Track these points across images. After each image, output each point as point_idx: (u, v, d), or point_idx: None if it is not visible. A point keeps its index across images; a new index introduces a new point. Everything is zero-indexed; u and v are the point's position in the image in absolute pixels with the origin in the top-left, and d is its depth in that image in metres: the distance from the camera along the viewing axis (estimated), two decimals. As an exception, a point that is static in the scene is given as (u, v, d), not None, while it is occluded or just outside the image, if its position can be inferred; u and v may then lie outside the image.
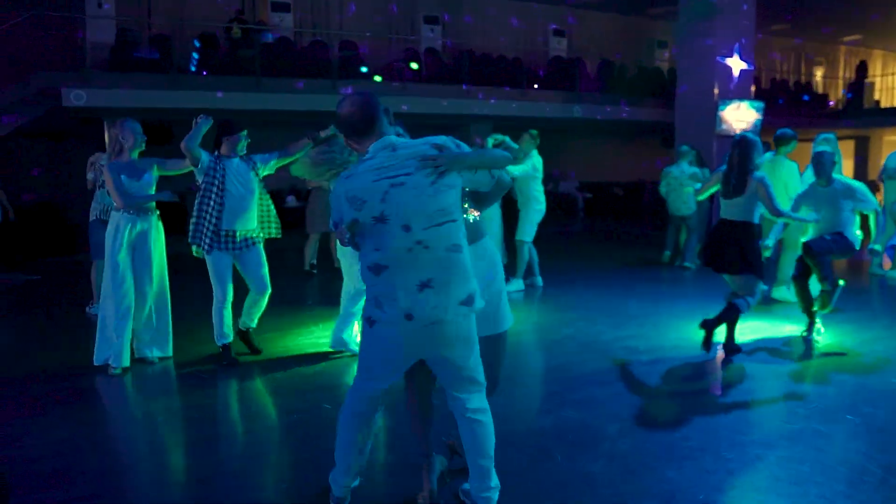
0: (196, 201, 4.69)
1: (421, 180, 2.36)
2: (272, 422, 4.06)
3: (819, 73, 21.34)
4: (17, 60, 11.73)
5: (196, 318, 5.65)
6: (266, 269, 4.92)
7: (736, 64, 12.44)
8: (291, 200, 14.69)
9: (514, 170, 7.04)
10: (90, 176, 6.85)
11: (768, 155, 6.60)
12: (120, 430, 3.96)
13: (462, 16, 16.02)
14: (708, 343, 4.84)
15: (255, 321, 5.14)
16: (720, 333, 4.98)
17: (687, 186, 8.84)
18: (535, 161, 7.19)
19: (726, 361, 4.93)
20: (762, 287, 5.11)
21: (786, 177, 6.61)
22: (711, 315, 4.90)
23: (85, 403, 4.26)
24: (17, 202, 11.50)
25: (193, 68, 12.83)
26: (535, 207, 7.29)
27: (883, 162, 8.71)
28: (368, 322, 2.49)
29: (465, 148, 2.50)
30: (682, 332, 5.68)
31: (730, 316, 4.87)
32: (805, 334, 5.40)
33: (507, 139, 7.04)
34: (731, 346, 4.95)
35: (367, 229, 2.39)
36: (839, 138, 12.45)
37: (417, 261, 2.37)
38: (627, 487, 3.00)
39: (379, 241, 2.39)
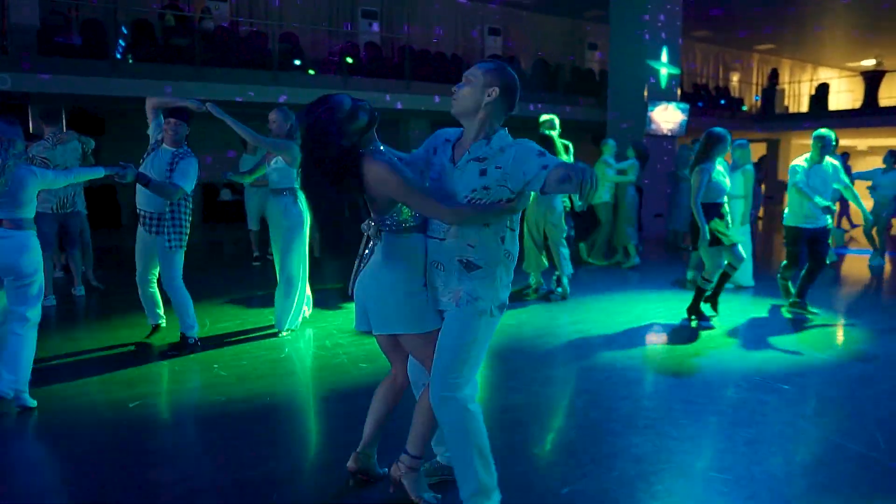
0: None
1: None
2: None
3: (735, 79, 22.62)
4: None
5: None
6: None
7: (664, 67, 13.12)
8: (226, 194, 14.51)
9: None
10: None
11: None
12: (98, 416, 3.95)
13: (400, 12, 16.15)
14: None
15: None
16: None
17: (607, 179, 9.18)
18: None
19: (671, 339, 5.34)
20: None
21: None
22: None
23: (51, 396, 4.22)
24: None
25: (119, 55, 12.44)
26: None
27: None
28: (501, 309, 2.56)
29: None
30: (627, 317, 6.08)
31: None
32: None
33: None
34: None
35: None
36: (752, 140, 13.24)
37: None
38: (600, 451, 3.28)
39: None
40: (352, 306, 2.71)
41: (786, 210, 6.22)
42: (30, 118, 11.67)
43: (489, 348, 3.31)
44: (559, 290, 6.88)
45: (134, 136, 12.89)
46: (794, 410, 3.87)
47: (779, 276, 6.42)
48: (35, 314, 3.89)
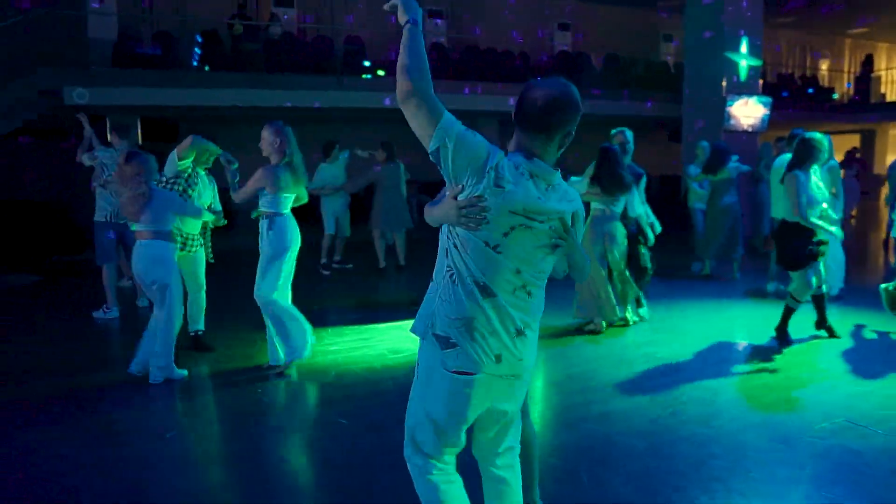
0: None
1: (544, 239, 2.04)
2: (291, 439, 3.98)
3: (824, 66, 21.20)
4: (19, 58, 11.60)
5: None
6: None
7: (743, 59, 12.32)
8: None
9: None
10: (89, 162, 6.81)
11: (786, 156, 6.54)
12: (130, 448, 3.88)
13: (466, 10, 15.88)
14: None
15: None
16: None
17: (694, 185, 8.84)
18: None
19: (745, 366, 4.88)
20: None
21: None
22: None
23: (95, 416, 4.18)
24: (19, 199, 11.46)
25: (196, 63, 12.73)
26: None
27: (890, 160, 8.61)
28: (440, 343, 2.03)
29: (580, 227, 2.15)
30: (700, 338, 5.62)
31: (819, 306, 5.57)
32: None
33: None
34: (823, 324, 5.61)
35: (480, 246, 1.99)
36: (844, 132, 12.08)
37: (520, 303, 2.06)
38: (658, 511, 2.93)
39: (486, 266, 2.00)
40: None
41: (893, 228, 5.60)
42: (108, 130, 12.06)
43: (543, 375, 2.97)
44: (635, 314, 6.08)
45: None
46: (889, 464, 3.37)
47: (889, 293, 5.63)
48: (167, 316, 4.61)
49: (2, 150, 11.96)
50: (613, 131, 6.13)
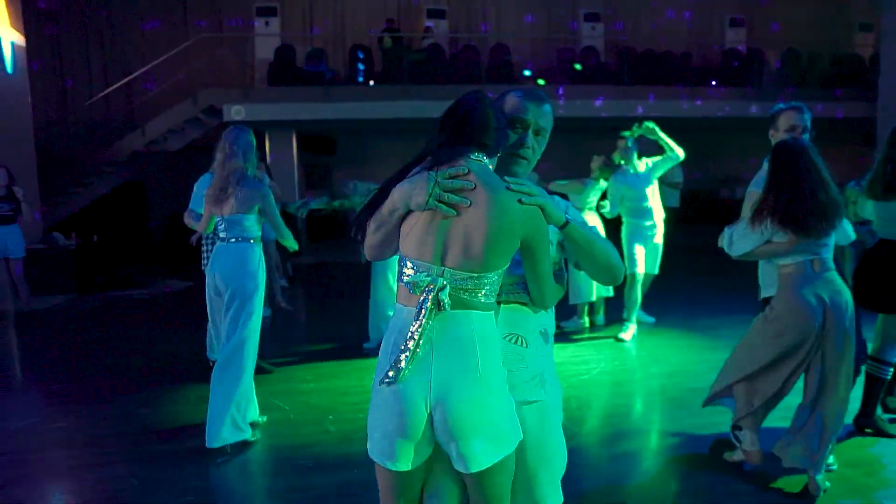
0: None
1: None
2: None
3: None
4: (190, 80, 12.60)
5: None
6: None
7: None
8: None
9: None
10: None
11: None
12: (167, 471, 3.71)
13: (624, 11, 14.94)
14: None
15: None
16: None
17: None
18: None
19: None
20: None
21: None
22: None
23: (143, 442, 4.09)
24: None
25: (361, 79, 13.06)
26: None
27: None
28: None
29: None
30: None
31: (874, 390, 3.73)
32: None
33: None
34: (869, 419, 3.75)
35: None
36: None
37: None
38: None
39: None
40: None
41: None
42: (266, 145, 12.73)
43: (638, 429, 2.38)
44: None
45: (359, 158, 13.55)
46: None
47: None
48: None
49: (175, 166, 13.03)
50: (782, 106, 3.37)
